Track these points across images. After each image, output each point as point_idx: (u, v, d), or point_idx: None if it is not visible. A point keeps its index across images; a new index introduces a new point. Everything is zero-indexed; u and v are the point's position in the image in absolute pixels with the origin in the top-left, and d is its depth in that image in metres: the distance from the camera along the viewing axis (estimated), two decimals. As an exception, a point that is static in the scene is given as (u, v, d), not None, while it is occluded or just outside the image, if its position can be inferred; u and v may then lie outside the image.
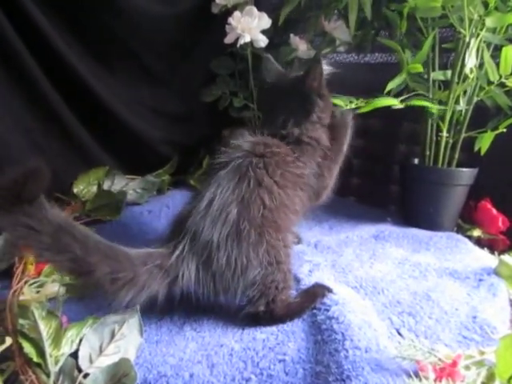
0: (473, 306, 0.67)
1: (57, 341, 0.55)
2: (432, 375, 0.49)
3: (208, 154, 1.23)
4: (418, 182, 1.00)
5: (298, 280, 0.73)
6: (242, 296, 0.63)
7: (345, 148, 0.82)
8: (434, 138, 0.98)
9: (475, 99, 0.93)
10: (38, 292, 0.69)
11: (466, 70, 0.87)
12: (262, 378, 0.54)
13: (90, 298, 0.66)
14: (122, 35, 1.11)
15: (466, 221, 1.01)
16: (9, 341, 0.56)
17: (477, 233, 0.98)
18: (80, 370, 0.54)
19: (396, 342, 0.58)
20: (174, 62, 1.22)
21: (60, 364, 0.54)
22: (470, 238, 0.96)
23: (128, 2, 1.10)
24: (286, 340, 0.60)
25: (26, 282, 0.70)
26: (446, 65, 0.98)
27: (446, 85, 0.94)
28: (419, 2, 0.83)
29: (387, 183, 1.25)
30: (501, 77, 0.85)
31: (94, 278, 0.55)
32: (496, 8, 0.83)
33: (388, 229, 0.99)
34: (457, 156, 0.97)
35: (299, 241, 0.91)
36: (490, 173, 0.97)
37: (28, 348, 0.54)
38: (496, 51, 0.89)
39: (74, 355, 0.56)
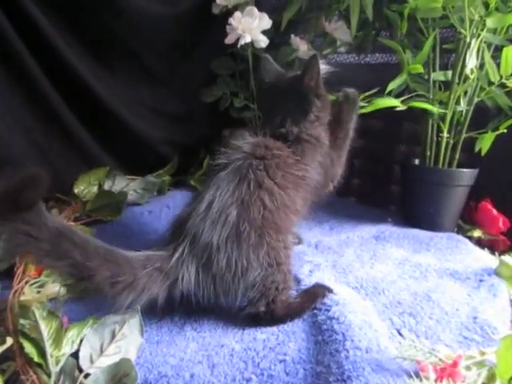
0: (473, 306, 0.67)
1: (58, 341, 0.55)
2: (433, 375, 0.49)
3: (208, 154, 1.23)
4: (419, 183, 1.00)
5: (298, 280, 0.73)
6: (243, 297, 0.63)
7: (351, 132, 0.83)
8: (435, 139, 0.98)
9: (476, 100, 0.93)
10: (38, 292, 0.69)
11: (467, 70, 0.88)
12: (262, 379, 0.54)
13: (90, 298, 0.67)
14: (122, 35, 1.11)
15: (466, 221, 1.01)
16: (10, 341, 0.56)
17: (477, 233, 0.98)
18: (81, 370, 0.54)
19: (397, 343, 0.58)
20: (174, 62, 1.23)
21: (61, 364, 0.54)
22: (470, 238, 0.96)
23: (128, 2, 1.10)
24: (287, 340, 0.60)
25: (26, 282, 0.70)
26: (446, 65, 0.99)
27: (446, 85, 0.94)
28: (420, 2, 0.84)
29: (388, 184, 1.25)
30: (501, 77, 0.85)
31: (94, 283, 0.56)
32: (497, 8, 0.83)
33: (388, 229, 0.99)
34: (457, 156, 0.97)
35: (300, 241, 0.91)
36: (490, 173, 0.97)
37: (29, 348, 0.54)
38: (497, 52, 0.89)
39: (75, 355, 0.55)
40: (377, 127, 1.25)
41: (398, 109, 0.85)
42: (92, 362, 0.55)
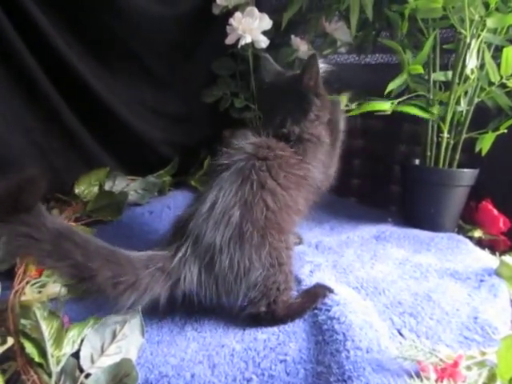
0: (474, 306, 0.67)
1: (58, 341, 0.55)
2: (433, 376, 0.49)
3: (209, 154, 1.23)
4: (419, 183, 1.00)
5: (299, 281, 0.73)
6: (244, 298, 0.63)
7: (341, 132, 0.83)
8: (435, 139, 0.98)
9: (476, 100, 0.93)
10: (39, 292, 0.69)
11: (467, 70, 0.88)
12: (263, 379, 0.54)
13: (91, 298, 0.66)
14: (122, 35, 1.11)
15: (466, 221, 1.01)
16: (10, 341, 0.56)
17: (478, 233, 0.98)
18: (82, 370, 0.54)
19: (397, 343, 0.58)
20: (174, 63, 1.23)
21: (62, 364, 0.54)
22: (470, 238, 0.96)
23: (128, 2, 1.10)
24: (287, 340, 0.60)
25: (27, 283, 0.70)
26: (446, 65, 0.98)
27: (446, 85, 0.94)
28: (420, 3, 0.84)
29: (388, 184, 1.25)
30: (502, 77, 0.85)
31: (95, 283, 0.55)
32: (497, 9, 0.83)
33: (389, 229, 0.99)
34: (458, 157, 0.97)
35: (300, 241, 0.91)
36: (490, 173, 0.97)
37: (30, 348, 0.54)
38: (497, 52, 0.89)
39: (76, 355, 0.56)
40: (377, 127, 1.25)
41: (386, 113, 0.85)
42: (93, 361, 0.55)
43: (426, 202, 0.98)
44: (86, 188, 1.06)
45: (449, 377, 0.48)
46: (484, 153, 0.90)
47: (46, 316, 0.57)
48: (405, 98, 0.88)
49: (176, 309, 0.65)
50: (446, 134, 0.95)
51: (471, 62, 0.87)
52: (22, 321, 0.58)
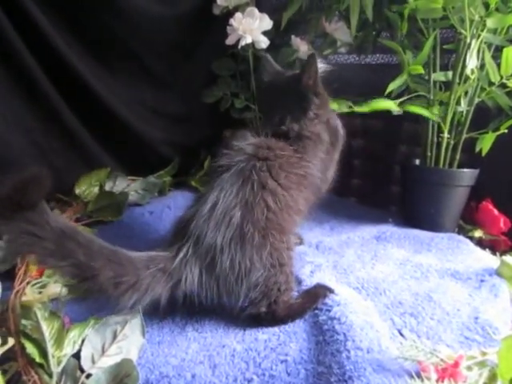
0: (474, 306, 0.67)
1: (59, 341, 0.55)
2: (434, 376, 0.49)
3: (209, 155, 1.23)
4: (420, 183, 1.00)
5: (299, 281, 0.73)
6: (245, 298, 0.63)
7: (340, 144, 0.83)
8: (436, 139, 0.98)
9: (476, 100, 0.93)
10: (40, 293, 0.69)
11: (467, 70, 0.88)
12: (264, 379, 0.54)
13: (91, 298, 0.66)
14: (122, 35, 1.11)
15: (467, 222, 1.01)
16: (11, 341, 0.56)
17: (478, 234, 0.98)
18: (82, 371, 0.54)
19: (398, 343, 0.58)
20: (175, 63, 1.23)
21: (62, 364, 0.54)
22: (471, 238, 0.96)
23: (128, 2, 1.10)
24: (288, 341, 0.60)
25: (28, 283, 0.70)
26: (446, 66, 0.99)
27: (446, 86, 0.94)
28: (420, 3, 0.84)
29: (388, 184, 1.25)
30: (502, 78, 0.85)
31: (97, 283, 0.55)
32: (497, 9, 0.83)
33: (389, 230, 0.99)
34: (458, 157, 0.97)
35: (301, 242, 0.91)
36: (491, 174, 0.97)
37: (30, 348, 0.54)
38: (497, 52, 0.89)
39: (77, 356, 0.56)
40: (377, 127, 1.25)
41: (394, 113, 0.85)
42: (93, 362, 0.56)
43: (427, 202, 0.98)
44: (86, 188, 1.06)
45: (449, 377, 0.48)
46: (484, 153, 0.90)
47: (46, 316, 0.57)
48: (405, 98, 0.88)
49: (177, 309, 0.65)
50: (446, 134, 0.95)
51: (471, 62, 0.87)
52: (23, 321, 0.58)
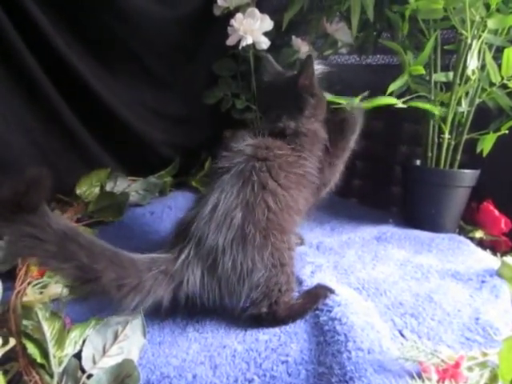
0: (475, 307, 0.67)
1: (60, 342, 0.55)
2: (435, 376, 0.49)
3: (210, 155, 1.23)
4: (420, 184, 1.00)
5: (300, 281, 0.73)
6: (246, 299, 0.63)
7: (351, 145, 0.83)
8: (436, 140, 0.98)
9: (477, 101, 0.93)
10: (41, 293, 0.69)
11: (468, 71, 0.88)
12: (264, 379, 0.54)
13: (93, 299, 0.67)
14: (123, 35, 1.11)
15: (468, 222, 1.01)
16: (12, 342, 0.56)
17: (479, 234, 0.98)
18: (83, 371, 0.54)
19: (399, 344, 0.58)
20: (175, 64, 1.23)
21: (63, 365, 0.54)
22: (472, 239, 0.96)
23: (128, 2, 1.10)
24: (289, 341, 0.60)
25: (29, 283, 0.70)
26: (447, 66, 0.98)
27: (447, 86, 0.94)
28: (421, 3, 0.84)
29: (389, 184, 1.25)
30: (503, 78, 0.85)
31: (100, 285, 0.55)
32: (498, 10, 0.83)
33: (390, 230, 0.99)
34: (459, 157, 0.97)
35: (302, 242, 0.91)
36: (492, 174, 0.97)
37: (32, 349, 0.54)
38: (498, 53, 0.89)
39: (78, 356, 0.56)
40: (378, 128, 1.25)
41: (398, 106, 0.84)
42: (95, 362, 0.56)
43: (427, 203, 0.98)
44: (87, 189, 1.06)
45: (450, 378, 0.48)
46: (485, 153, 0.90)
47: (47, 317, 0.57)
48: (406, 98, 0.88)
49: (178, 310, 0.65)
50: (447, 135, 0.95)
51: (472, 63, 0.87)
52: (24, 321, 0.58)
